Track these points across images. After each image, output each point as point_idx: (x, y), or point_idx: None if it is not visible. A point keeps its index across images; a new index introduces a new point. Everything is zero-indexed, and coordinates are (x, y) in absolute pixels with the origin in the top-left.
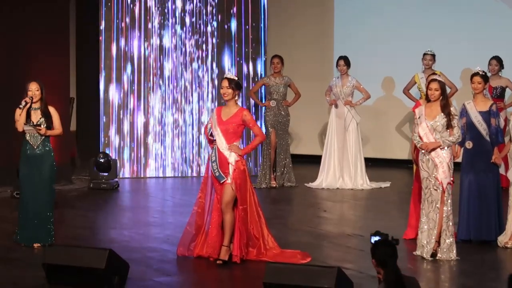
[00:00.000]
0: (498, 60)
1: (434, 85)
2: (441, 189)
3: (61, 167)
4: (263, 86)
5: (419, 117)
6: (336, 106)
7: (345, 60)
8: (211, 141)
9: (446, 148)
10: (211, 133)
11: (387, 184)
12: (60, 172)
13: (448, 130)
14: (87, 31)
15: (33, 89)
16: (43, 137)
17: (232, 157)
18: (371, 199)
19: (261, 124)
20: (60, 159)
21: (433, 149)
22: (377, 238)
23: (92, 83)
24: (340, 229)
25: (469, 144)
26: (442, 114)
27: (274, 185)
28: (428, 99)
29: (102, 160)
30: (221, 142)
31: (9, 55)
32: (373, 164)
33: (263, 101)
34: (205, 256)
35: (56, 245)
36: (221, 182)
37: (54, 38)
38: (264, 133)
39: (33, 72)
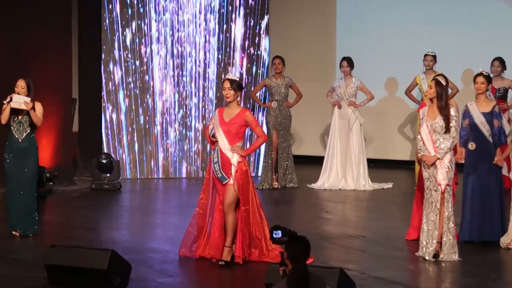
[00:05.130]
0: (500, 61)
1: (430, 83)
2: (440, 190)
3: (63, 167)
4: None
5: (422, 118)
6: (340, 107)
7: (349, 61)
8: (213, 142)
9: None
10: (213, 134)
11: (389, 185)
12: (62, 173)
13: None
14: (89, 31)
15: (19, 86)
16: (28, 131)
17: (234, 158)
18: (373, 200)
19: (262, 125)
20: (62, 160)
21: (433, 164)
22: (278, 232)
23: (94, 84)
24: (342, 230)
25: (471, 145)
26: (441, 115)
27: (276, 186)
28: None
29: (104, 161)
30: (223, 143)
31: (11, 55)
32: (375, 165)
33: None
34: (207, 257)
35: (58, 245)
36: (224, 183)
37: (55, 37)
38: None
39: (35, 72)
